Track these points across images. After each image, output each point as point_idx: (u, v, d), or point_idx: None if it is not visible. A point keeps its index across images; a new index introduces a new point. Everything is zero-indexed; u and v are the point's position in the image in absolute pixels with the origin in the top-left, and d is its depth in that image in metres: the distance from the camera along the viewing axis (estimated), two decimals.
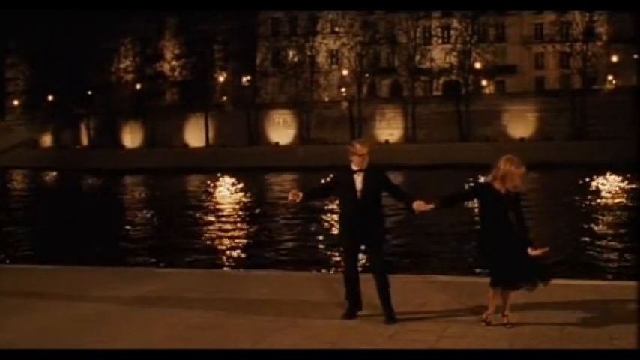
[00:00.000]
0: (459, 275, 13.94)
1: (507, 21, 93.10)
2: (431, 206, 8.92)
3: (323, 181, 9.68)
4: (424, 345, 8.07)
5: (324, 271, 19.49)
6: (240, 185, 56.44)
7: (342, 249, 9.44)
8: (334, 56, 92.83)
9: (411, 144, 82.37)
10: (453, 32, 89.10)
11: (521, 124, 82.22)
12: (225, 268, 20.09)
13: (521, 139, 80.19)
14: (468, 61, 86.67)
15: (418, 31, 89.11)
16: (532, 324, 8.71)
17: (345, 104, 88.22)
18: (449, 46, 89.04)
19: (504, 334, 8.33)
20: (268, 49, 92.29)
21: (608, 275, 18.63)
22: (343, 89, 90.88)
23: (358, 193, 9.04)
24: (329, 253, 24.13)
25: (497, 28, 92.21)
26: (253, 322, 9.18)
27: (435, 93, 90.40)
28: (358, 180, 9.08)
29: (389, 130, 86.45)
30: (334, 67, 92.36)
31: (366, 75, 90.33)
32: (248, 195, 48.69)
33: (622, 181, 52.06)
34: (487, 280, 8.96)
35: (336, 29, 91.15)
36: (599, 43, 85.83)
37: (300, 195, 9.28)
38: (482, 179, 9.22)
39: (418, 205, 8.93)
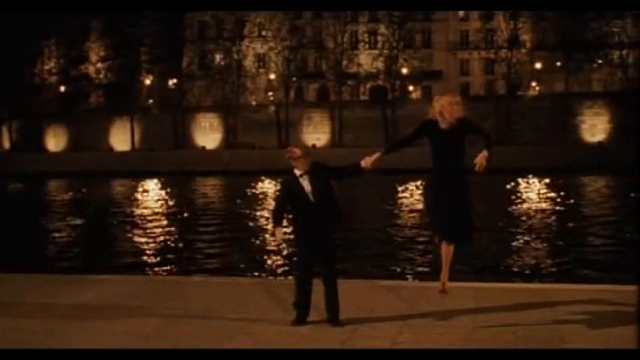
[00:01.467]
0: (403, 280, 13.94)
1: (433, 27, 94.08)
2: (377, 155, 8.97)
3: (279, 197, 9.50)
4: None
5: (264, 276, 19.36)
6: (167, 189, 55.94)
7: (298, 252, 9.33)
8: (261, 60, 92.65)
9: (338, 148, 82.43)
10: (380, 37, 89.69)
11: None
12: (164, 275, 19.71)
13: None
14: (394, 67, 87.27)
15: (345, 36, 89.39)
16: (486, 327, 8.69)
17: (272, 108, 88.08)
18: (376, 51, 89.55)
19: (458, 339, 8.29)
20: (195, 52, 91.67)
21: (549, 278, 18.80)
22: (270, 93, 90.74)
23: (309, 196, 9.02)
24: (264, 257, 23.97)
25: (423, 34, 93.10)
26: (201, 330, 8.98)
27: (362, 98, 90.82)
28: (305, 183, 9.05)
29: (316, 134, 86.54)
30: (261, 70, 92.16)
31: (294, 79, 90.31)
32: (175, 199, 48.24)
33: (546, 186, 52.93)
34: (435, 284, 8.96)
35: (264, 33, 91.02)
36: (523, 51, 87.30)
37: (281, 229, 9.34)
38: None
39: (365, 163, 8.95)
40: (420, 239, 26.77)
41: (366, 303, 10.18)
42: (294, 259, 9.58)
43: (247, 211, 39.57)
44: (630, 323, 8.27)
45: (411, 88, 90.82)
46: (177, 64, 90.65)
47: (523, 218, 34.28)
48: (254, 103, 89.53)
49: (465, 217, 8.91)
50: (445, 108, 8.95)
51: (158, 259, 24.40)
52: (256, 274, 21.25)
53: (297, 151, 9.13)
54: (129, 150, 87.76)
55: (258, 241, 28.00)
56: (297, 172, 9.12)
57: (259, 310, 9.97)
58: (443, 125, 8.95)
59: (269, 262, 23.47)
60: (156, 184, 61.30)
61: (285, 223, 9.27)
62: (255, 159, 76.05)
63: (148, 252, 25.90)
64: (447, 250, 8.99)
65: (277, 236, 9.32)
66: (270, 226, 29.76)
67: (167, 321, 9.44)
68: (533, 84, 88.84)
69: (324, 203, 9.05)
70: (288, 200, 9.28)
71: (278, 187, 9.60)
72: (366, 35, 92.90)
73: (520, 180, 56.85)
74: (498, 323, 8.84)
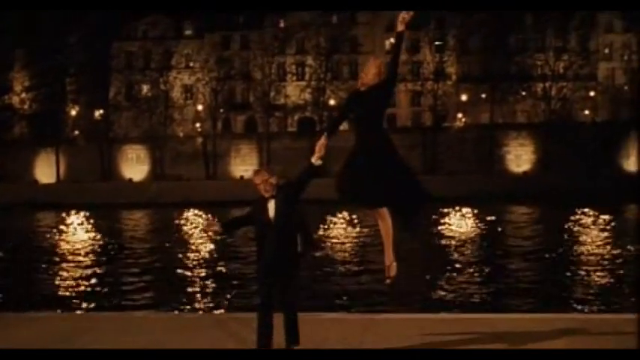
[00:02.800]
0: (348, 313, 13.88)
1: (360, 59, 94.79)
2: (321, 141, 9.01)
3: (242, 215, 9.27)
4: None
5: (201, 310, 19.15)
6: (93, 222, 55.19)
7: (259, 280, 9.08)
8: (189, 91, 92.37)
9: None
10: (307, 69, 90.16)
11: None
12: (97, 311, 19.35)
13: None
14: (322, 98, 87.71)
15: (273, 68, 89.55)
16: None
17: (199, 140, 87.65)
18: (303, 82, 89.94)
19: None
20: (122, 82, 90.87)
21: (485, 306, 18.95)
22: (198, 124, 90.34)
23: (272, 220, 8.84)
24: (204, 290, 23.78)
25: (350, 65, 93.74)
26: None
27: (289, 129, 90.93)
28: (271, 207, 8.88)
29: (244, 166, 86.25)
30: (189, 102, 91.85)
31: (221, 110, 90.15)
32: (101, 232, 47.58)
33: (473, 215, 53.54)
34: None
35: (191, 64, 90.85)
36: (449, 83, 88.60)
37: (218, 224, 9.26)
38: None
39: (314, 156, 8.96)
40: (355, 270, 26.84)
41: (316, 334, 10.08)
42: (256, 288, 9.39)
43: (176, 244, 39.24)
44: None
45: None
46: (103, 94, 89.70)
47: (450, 249, 34.58)
48: (181, 134, 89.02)
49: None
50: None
51: (82, 294, 24.01)
52: (188, 307, 21.07)
53: (256, 178, 8.95)
54: (54, 182, 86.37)
55: (188, 274, 27.77)
56: (265, 195, 8.94)
57: (211, 344, 9.82)
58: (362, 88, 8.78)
59: (199, 295, 23.29)
60: (82, 217, 60.41)
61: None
62: (183, 191, 75.58)
63: (71, 287, 25.46)
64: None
65: (209, 225, 9.35)
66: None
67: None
68: (459, 115, 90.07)
69: (288, 230, 8.88)
70: (250, 222, 9.08)
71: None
72: (293, 67, 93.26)
73: (447, 209, 57.38)
74: None
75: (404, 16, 8.53)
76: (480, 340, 9.56)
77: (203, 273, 28.38)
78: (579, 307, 20.47)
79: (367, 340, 9.73)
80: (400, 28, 8.55)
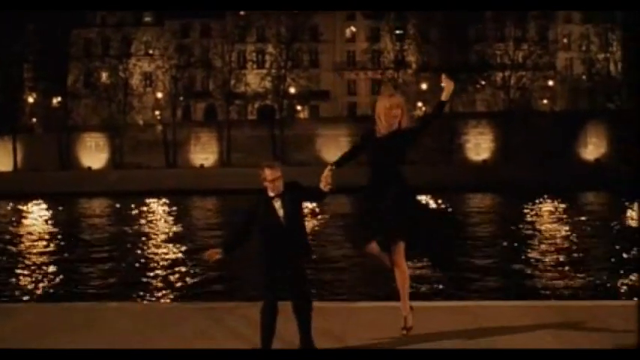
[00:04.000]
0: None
1: (320, 47, 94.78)
2: (328, 171, 8.40)
3: (242, 218, 8.71)
4: None
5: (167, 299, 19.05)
6: (51, 211, 54.72)
7: (265, 282, 8.57)
8: (148, 79, 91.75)
9: (227, 168, 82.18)
10: (267, 57, 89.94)
11: (334, 149, 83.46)
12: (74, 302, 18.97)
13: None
14: (282, 86, 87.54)
15: (233, 55, 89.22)
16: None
17: (159, 128, 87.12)
18: (264, 70, 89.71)
19: None
20: (80, 69, 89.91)
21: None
22: (157, 112, 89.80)
23: (281, 220, 8.43)
24: (167, 281, 23.68)
25: (310, 54, 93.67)
26: None
27: (249, 117, 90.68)
28: (277, 206, 8.43)
29: (204, 154, 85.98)
30: (148, 89, 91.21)
31: (181, 98, 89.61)
32: (60, 221, 47.22)
33: (434, 204, 53.79)
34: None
35: (151, 51, 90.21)
36: (409, 72, 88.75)
37: (219, 251, 8.57)
38: None
39: (322, 184, 8.39)
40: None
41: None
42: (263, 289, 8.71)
43: (137, 232, 39.05)
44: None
45: (298, 107, 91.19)
46: (61, 82, 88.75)
47: None
48: (141, 122, 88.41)
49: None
50: (386, 112, 8.41)
51: (45, 283, 23.82)
52: (151, 297, 20.98)
53: (268, 173, 8.43)
54: (11, 170, 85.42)
55: (151, 263, 27.64)
56: (270, 194, 8.48)
57: (191, 336, 9.65)
58: (380, 131, 8.45)
59: (160, 285, 23.20)
60: (40, 206, 59.86)
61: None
62: (143, 179, 75.12)
63: (28, 277, 25.25)
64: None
65: (209, 256, 8.54)
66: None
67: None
68: (419, 104, 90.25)
69: (295, 230, 8.49)
70: (254, 224, 8.58)
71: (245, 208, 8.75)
72: (254, 55, 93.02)
73: None
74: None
75: (449, 88, 8.27)
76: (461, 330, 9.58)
77: (163, 262, 28.27)
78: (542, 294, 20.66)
79: (349, 330, 9.61)
80: (444, 98, 8.34)
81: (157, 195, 66.04)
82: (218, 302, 13.62)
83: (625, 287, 22.15)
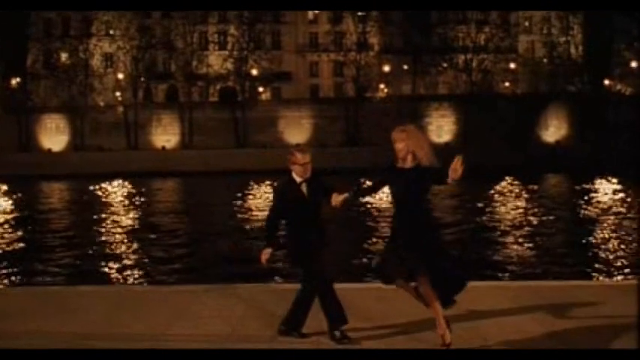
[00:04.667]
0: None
1: (283, 29, 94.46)
2: (344, 196, 8.33)
3: (274, 207, 8.57)
4: None
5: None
6: (11, 194, 54.14)
7: (308, 267, 8.49)
8: (109, 59, 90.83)
9: (188, 150, 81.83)
10: (229, 38, 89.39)
11: (297, 131, 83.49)
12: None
13: (297, 145, 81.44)
14: (244, 68, 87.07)
15: (195, 37, 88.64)
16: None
17: (120, 109, 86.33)
18: (226, 52, 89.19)
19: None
20: (40, 50, 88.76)
21: None
22: (118, 94, 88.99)
23: (309, 205, 8.43)
24: (130, 264, 23.55)
25: (273, 35, 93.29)
26: None
27: (211, 99, 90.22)
28: (305, 190, 8.43)
29: (165, 135, 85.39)
30: (109, 70, 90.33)
31: (142, 79, 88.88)
32: (20, 204, 46.75)
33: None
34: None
35: (111, 32, 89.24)
36: (371, 54, 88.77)
37: (269, 251, 8.51)
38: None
39: (334, 198, 8.35)
40: None
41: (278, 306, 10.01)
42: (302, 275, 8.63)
43: (98, 215, 38.80)
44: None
45: (260, 89, 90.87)
46: (21, 62, 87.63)
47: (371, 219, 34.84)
48: (102, 103, 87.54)
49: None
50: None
51: (9, 269, 23.58)
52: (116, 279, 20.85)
53: (300, 157, 8.46)
54: None
55: (113, 247, 27.49)
56: (297, 179, 8.47)
57: (166, 322, 9.52)
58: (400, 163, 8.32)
59: (124, 268, 23.08)
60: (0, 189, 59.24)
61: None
62: (104, 161, 74.61)
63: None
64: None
65: (263, 258, 8.47)
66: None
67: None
68: (382, 86, 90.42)
69: (320, 217, 8.51)
70: (286, 210, 8.50)
71: (270, 196, 8.50)
72: (215, 36, 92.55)
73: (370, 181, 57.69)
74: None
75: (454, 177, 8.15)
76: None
77: (125, 245, 28.12)
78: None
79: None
80: (449, 181, 8.21)
81: (119, 177, 65.62)
82: (194, 285, 13.57)
83: (590, 268, 22.38)
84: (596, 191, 48.75)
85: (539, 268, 22.33)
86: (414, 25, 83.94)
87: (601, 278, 20.57)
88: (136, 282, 20.78)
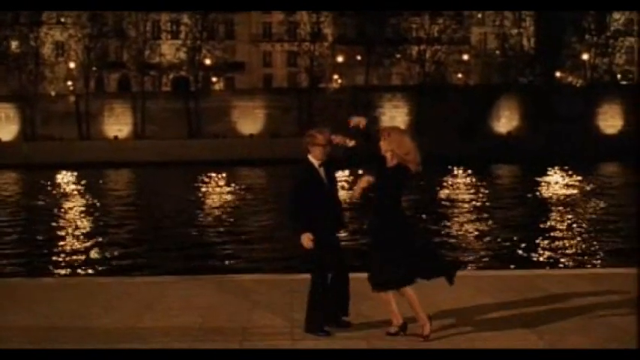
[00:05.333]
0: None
1: (236, 19, 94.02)
2: (365, 181, 8.25)
3: (296, 191, 8.36)
4: None
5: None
6: None
7: (322, 255, 8.28)
8: (60, 48, 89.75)
9: (141, 140, 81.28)
10: (183, 27, 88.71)
11: (250, 121, 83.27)
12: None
13: (251, 136, 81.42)
14: (197, 57, 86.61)
15: (147, 25, 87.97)
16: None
17: (71, 99, 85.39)
18: (179, 41, 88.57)
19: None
20: None
21: None
22: (70, 83, 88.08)
23: (327, 188, 8.34)
24: (84, 255, 23.34)
25: (226, 25, 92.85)
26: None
27: (164, 88, 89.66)
28: (323, 174, 8.33)
29: (117, 125, 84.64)
30: (60, 59, 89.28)
31: (94, 69, 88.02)
32: None
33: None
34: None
35: (63, 20, 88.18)
36: (325, 44, 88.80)
37: (308, 234, 8.18)
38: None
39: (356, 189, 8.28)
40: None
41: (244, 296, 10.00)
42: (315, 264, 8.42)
43: (49, 206, 38.43)
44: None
45: (214, 79, 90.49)
46: None
47: None
48: (53, 93, 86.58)
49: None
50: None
51: None
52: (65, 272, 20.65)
53: (322, 138, 8.38)
54: None
55: (66, 237, 27.23)
56: (315, 162, 8.35)
57: (135, 314, 9.36)
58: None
59: (83, 258, 22.88)
60: None
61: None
62: (55, 151, 73.81)
63: None
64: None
65: (306, 242, 8.16)
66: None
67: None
68: (335, 77, 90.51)
69: (336, 199, 8.44)
70: (307, 194, 8.28)
71: (292, 181, 8.48)
72: (168, 25, 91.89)
73: None
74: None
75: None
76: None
77: (77, 236, 27.88)
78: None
79: (296, 302, 9.49)
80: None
81: (70, 168, 64.96)
82: (158, 277, 13.51)
83: (543, 256, 22.63)
84: (547, 182, 49.27)
85: (498, 258, 22.50)
86: (367, 16, 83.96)
87: (561, 267, 20.79)
88: (91, 274, 20.57)
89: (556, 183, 48.31)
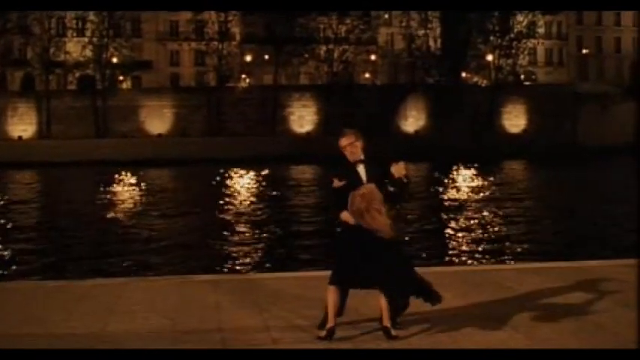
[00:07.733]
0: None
1: (143, 17, 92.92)
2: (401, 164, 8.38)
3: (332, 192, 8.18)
4: None
5: None
6: None
7: (343, 254, 8.11)
8: None
9: (46, 140, 79.83)
10: (89, 25, 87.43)
11: (158, 120, 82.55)
12: None
13: (159, 135, 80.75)
14: (104, 55, 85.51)
15: (53, 22, 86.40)
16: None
17: None
18: (85, 39, 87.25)
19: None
20: None
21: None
22: None
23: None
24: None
25: (133, 23, 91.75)
26: None
27: (70, 87, 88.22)
28: (361, 171, 8.24)
29: (22, 125, 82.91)
30: None
31: None
32: None
33: (255, 176, 54.04)
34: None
35: None
36: (233, 43, 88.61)
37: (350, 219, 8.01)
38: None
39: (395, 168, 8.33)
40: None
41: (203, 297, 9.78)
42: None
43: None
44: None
45: (121, 77, 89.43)
46: None
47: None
48: None
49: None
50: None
51: None
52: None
53: (342, 140, 8.28)
54: None
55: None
56: (351, 160, 8.25)
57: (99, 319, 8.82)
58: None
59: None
60: None
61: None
62: None
63: None
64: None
65: (350, 220, 7.98)
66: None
67: None
68: (244, 76, 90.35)
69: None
70: (342, 192, 8.08)
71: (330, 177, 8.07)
72: (74, 22, 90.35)
73: (235, 171, 57.72)
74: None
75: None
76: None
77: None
78: None
79: (262, 301, 9.39)
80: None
81: None
82: (107, 279, 12.99)
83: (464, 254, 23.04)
84: (454, 179, 50.07)
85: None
86: (276, 15, 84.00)
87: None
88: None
89: (463, 180, 49.13)
